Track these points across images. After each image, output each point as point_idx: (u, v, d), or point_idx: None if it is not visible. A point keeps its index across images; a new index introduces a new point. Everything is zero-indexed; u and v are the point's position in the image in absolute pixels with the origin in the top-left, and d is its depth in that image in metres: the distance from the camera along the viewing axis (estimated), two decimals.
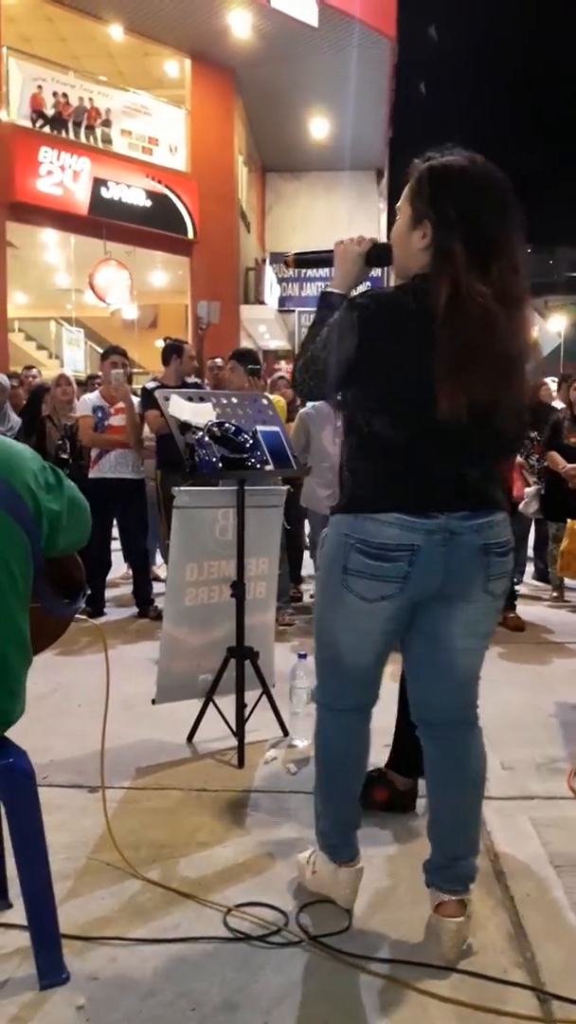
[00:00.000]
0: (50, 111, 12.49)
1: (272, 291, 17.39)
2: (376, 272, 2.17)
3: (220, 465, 2.91)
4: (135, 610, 5.55)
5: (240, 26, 12.78)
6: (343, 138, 16.65)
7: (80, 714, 3.49)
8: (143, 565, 5.60)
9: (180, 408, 2.95)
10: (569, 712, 3.55)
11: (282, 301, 18.35)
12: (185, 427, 2.96)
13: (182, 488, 3.04)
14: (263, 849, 2.43)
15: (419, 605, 1.88)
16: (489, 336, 1.71)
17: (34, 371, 7.73)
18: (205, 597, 3.14)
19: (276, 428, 3.20)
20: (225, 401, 3.12)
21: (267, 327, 16.91)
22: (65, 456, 5.59)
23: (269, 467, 3.04)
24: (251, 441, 3.05)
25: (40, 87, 12.40)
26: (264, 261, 17.61)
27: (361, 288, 2.02)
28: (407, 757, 2.59)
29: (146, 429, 5.45)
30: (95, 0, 12.08)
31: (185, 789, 2.83)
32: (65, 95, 12.67)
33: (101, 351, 13.99)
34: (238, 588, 3.03)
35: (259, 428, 3.12)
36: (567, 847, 2.42)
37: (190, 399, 3.03)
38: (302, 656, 3.11)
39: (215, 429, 2.97)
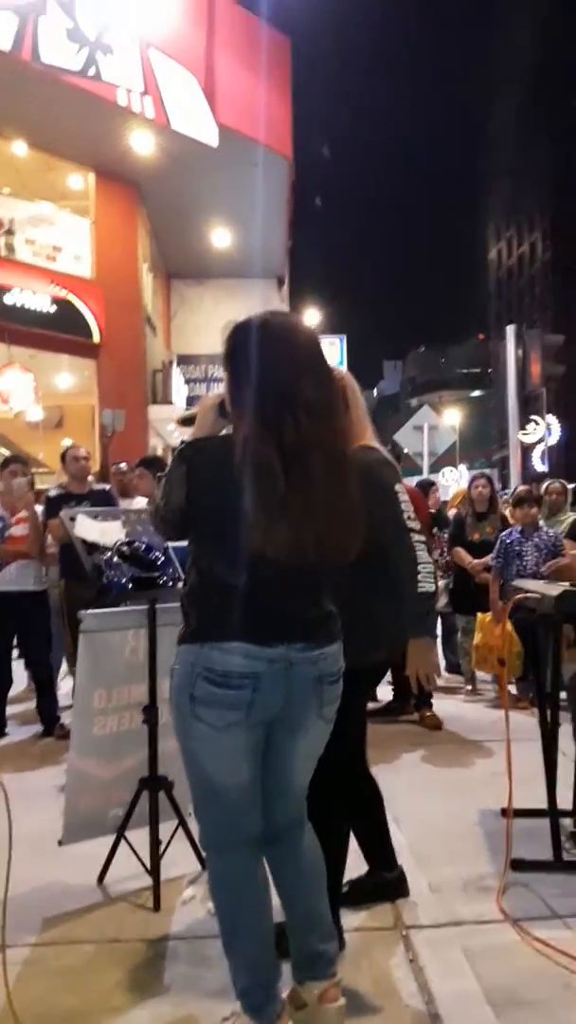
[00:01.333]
0: None
1: (180, 392, 17.60)
2: None
3: (130, 586, 2.82)
4: (40, 727, 5.25)
5: (142, 144, 13.26)
6: (245, 248, 17.32)
7: None
8: (48, 680, 5.34)
9: (87, 528, 2.86)
10: (492, 820, 3.49)
11: (190, 401, 18.56)
12: (93, 546, 2.87)
13: (89, 612, 2.91)
14: (182, 1010, 2.23)
15: (268, 727, 1.97)
16: (272, 483, 1.82)
17: None
18: (115, 725, 2.97)
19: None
20: (135, 517, 3.05)
21: (175, 427, 17.02)
22: None
23: (182, 584, 2.95)
24: (163, 558, 2.98)
25: None
26: (171, 363, 17.86)
27: None
28: (380, 851, 2.75)
29: (49, 537, 5.29)
30: None
31: (97, 942, 2.60)
32: None
33: (3, 453, 13.69)
34: (150, 713, 2.89)
35: (171, 544, 3.05)
36: (502, 979, 2.32)
37: (97, 517, 2.95)
38: None
39: (124, 548, 2.88)
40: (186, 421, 2.24)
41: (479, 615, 5.98)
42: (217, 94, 13.55)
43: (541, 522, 6.46)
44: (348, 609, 2.09)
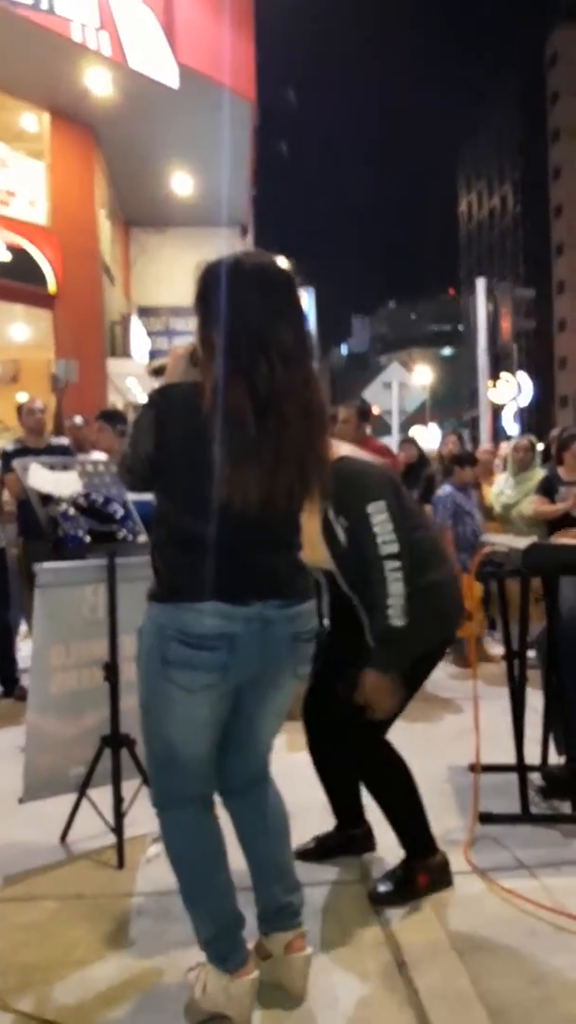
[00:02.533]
0: None
1: (140, 345, 17.22)
2: None
3: (87, 540, 2.72)
4: None
5: (99, 84, 12.74)
6: (207, 195, 16.86)
7: None
8: (6, 641, 5.23)
9: (41, 479, 2.74)
10: (460, 776, 3.49)
11: (152, 355, 18.21)
12: (48, 498, 2.76)
13: (44, 565, 2.81)
14: (149, 963, 2.21)
15: (239, 688, 1.91)
16: (243, 432, 1.76)
17: None
18: (74, 682, 2.90)
19: (151, 496, 3.04)
20: (92, 468, 2.94)
21: (136, 381, 16.70)
22: None
23: (143, 538, 2.87)
24: (122, 511, 2.88)
25: None
26: (130, 315, 17.45)
27: None
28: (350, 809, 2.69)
29: (5, 494, 5.14)
30: None
31: (59, 898, 2.56)
32: None
33: None
34: (111, 670, 2.82)
35: (132, 496, 2.95)
36: (469, 928, 2.33)
37: (52, 467, 2.83)
38: None
39: (81, 500, 2.78)
40: (157, 371, 2.15)
41: None
42: (177, 32, 13.03)
43: (502, 477, 6.49)
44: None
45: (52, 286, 13.32)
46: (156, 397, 1.88)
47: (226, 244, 19.45)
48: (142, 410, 1.90)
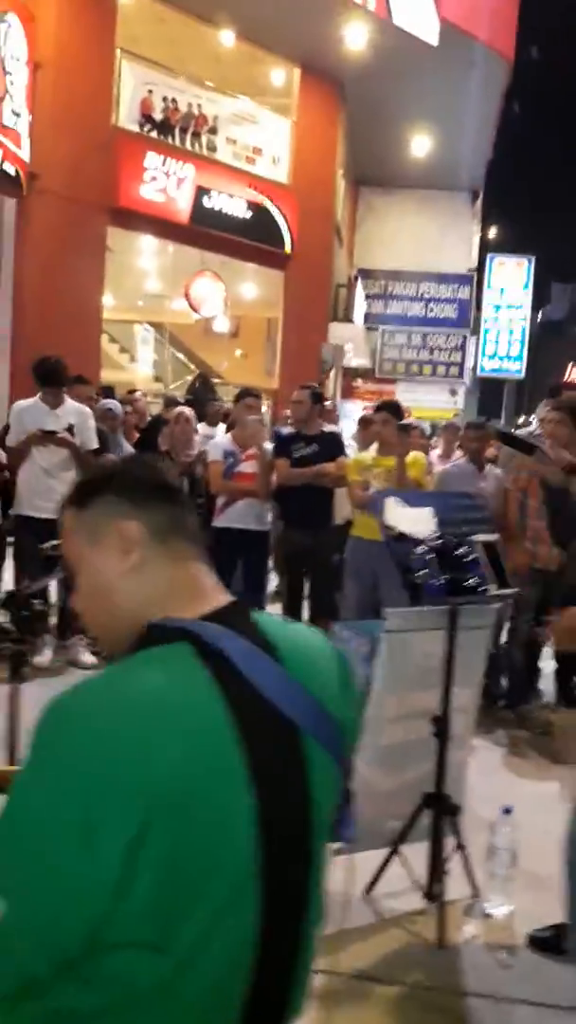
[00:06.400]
0: (159, 116, 12.16)
1: (360, 309, 16.90)
2: None
3: (446, 589, 2.47)
4: None
5: (355, 39, 12.32)
6: (443, 157, 16.16)
7: None
8: None
9: (397, 516, 2.51)
10: None
11: (366, 317, 17.86)
12: (402, 536, 2.53)
13: (394, 611, 2.59)
14: None
15: None
16: None
17: (137, 394, 7.42)
18: (401, 734, 2.69)
19: (490, 537, 2.74)
20: (441, 503, 2.67)
21: (353, 345, 16.43)
22: None
23: (494, 587, 2.59)
24: (474, 554, 2.60)
25: (151, 91, 12.08)
26: (356, 278, 17.10)
27: None
28: None
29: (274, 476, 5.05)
30: (210, 4, 11.73)
31: (382, 981, 2.32)
32: (175, 100, 12.32)
33: (186, 361, 13.58)
34: (442, 724, 2.59)
35: (474, 537, 2.68)
36: None
37: (407, 502, 2.59)
38: (506, 811, 2.65)
39: (437, 543, 2.52)
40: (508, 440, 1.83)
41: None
42: None
43: None
44: None
45: (288, 246, 13.20)
46: None
47: (452, 210, 18.63)
48: None
